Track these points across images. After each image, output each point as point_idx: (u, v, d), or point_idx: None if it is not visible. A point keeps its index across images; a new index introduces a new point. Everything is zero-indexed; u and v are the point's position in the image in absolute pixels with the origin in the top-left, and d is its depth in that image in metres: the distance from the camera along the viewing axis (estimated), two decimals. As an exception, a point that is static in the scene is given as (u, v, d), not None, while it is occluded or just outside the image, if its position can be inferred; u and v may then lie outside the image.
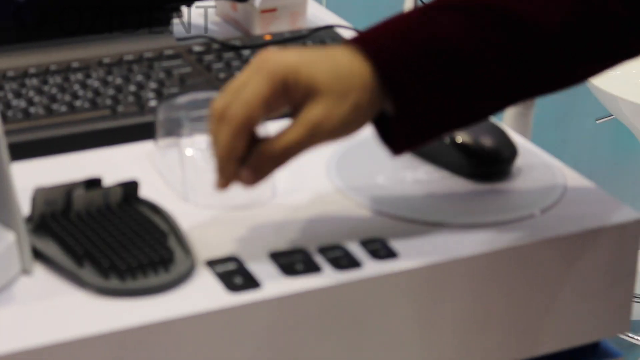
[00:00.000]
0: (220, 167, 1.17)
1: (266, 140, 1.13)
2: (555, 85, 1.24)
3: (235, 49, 1.60)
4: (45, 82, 1.45)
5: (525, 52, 1.19)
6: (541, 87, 1.25)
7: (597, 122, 3.01)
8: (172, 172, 1.31)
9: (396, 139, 1.17)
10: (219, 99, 1.16)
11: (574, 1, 1.20)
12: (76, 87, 1.45)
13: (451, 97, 1.18)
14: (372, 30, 1.19)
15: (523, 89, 1.24)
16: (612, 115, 2.87)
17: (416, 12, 1.23)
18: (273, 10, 1.65)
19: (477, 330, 1.25)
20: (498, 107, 1.24)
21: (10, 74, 1.45)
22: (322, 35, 1.66)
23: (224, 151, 1.15)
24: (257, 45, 1.61)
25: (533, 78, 1.22)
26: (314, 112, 1.11)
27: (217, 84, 1.48)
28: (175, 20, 1.67)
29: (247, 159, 1.14)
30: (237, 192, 1.21)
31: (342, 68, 1.15)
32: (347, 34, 1.67)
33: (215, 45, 1.60)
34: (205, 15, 1.80)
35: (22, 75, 1.46)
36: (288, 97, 1.14)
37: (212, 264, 1.13)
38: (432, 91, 1.16)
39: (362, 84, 1.13)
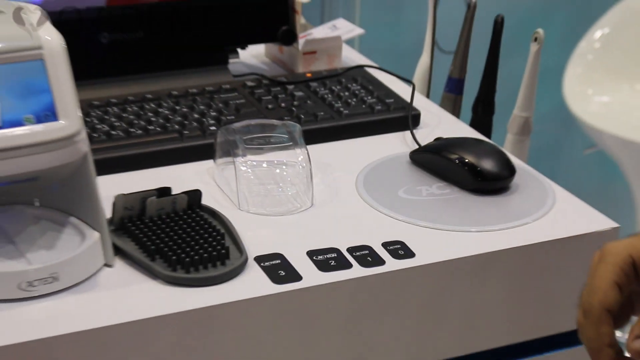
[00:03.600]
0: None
1: None
2: None
3: (281, 84, 1.59)
4: (124, 110, 1.47)
5: None
6: None
7: (585, 152, 3.00)
8: (228, 184, 1.33)
9: None
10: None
11: None
12: (150, 114, 1.47)
13: None
14: None
15: None
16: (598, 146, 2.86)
17: None
18: (313, 52, 1.65)
19: (480, 315, 1.29)
20: None
21: (96, 103, 1.47)
22: (354, 74, 1.64)
23: (591, 343, 1.01)
24: (299, 81, 1.61)
25: None
26: None
27: (266, 113, 1.50)
28: (232, 60, 1.67)
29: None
30: (281, 201, 1.27)
31: None
32: (376, 72, 1.67)
33: (265, 81, 1.60)
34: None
35: (105, 104, 1.47)
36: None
37: (260, 259, 1.18)
38: None
39: None
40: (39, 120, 1.07)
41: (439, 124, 1.54)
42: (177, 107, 1.50)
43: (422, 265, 1.20)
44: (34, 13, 1.11)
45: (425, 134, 1.48)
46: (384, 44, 2.01)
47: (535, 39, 1.69)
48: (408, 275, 1.20)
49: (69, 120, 1.08)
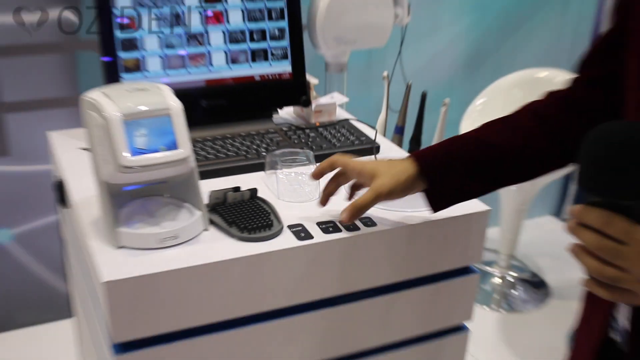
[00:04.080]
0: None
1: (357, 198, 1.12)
2: (521, 180, 1.15)
3: (302, 129, 1.56)
4: (214, 143, 1.46)
5: (500, 162, 1.10)
6: (514, 179, 1.16)
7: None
8: (272, 185, 1.32)
9: (430, 204, 1.13)
10: None
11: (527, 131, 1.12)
12: (228, 145, 1.46)
13: (464, 188, 1.13)
14: (423, 149, 1.15)
15: (505, 181, 1.15)
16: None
17: (450, 140, 1.15)
18: (320, 111, 1.62)
19: (406, 265, 1.25)
20: (485, 192, 1.15)
21: (198, 139, 1.46)
22: (343, 123, 1.60)
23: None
24: (312, 127, 1.58)
25: (513, 174, 1.14)
26: (376, 183, 1.09)
27: (293, 145, 1.46)
28: (275, 115, 1.64)
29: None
30: (302, 194, 1.28)
31: (396, 163, 1.12)
32: (355, 122, 1.63)
33: (293, 127, 1.57)
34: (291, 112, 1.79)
35: (203, 140, 1.47)
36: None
37: (290, 227, 1.18)
38: (446, 183, 1.11)
39: (407, 173, 1.09)
40: (168, 149, 1.10)
41: (390, 151, 1.52)
42: (244, 142, 1.48)
43: (380, 230, 1.19)
44: (164, 89, 1.15)
45: (382, 157, 1.45)
46: (359, 106, 2.03)
47: (444, 104, 1.72)
48: (371, 235, 1.19)
49: (184, 149, 1.10)
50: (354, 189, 1.20)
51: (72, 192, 1.29)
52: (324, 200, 1.21)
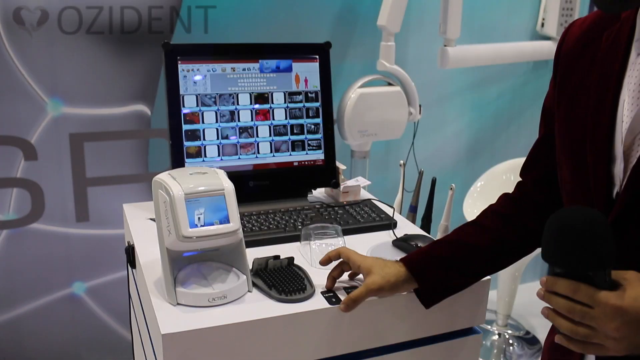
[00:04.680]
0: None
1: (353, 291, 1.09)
2: (498, 269, 1.14)
3: (332, 207, 1.53)
4: (258, 217, 1.45)
5: (476, 259, 1.10)
6: (491, 271, 1.14)
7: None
8: (307, 254, 1.30)
9: (422, 302, 1.11)
10: None
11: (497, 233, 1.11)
12: (270, 219, 1.44)
13: (449, 285, 1.11)
14: (410, 254, 1.14)
15: (483, 273, 1.15)
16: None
17: (432, 244, 1.15)
18: (347, 192, 1.60)
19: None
20: (469, 285, 1.14)
21: (246, 213, 1.45)
22: (366, 202, 1.57)
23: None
24: (340, 205, 1.55)
25: (487, 268, 1.13)
26: (369, 280, 1.08)
27: (325, 221, 1.44)
28: (309, 195, 1.62)
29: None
30: (332, 263, 1.21)
31: (389, 264, 1.10)
32: (376, 202, 1.60)
33: (325, 205, 1.54)
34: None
35: (250, 214, 1.45)
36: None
37: (322, 292, 1.16)
38: (433, 283, 1.09)
39: (396, 275, 1.08)
40: (221, 222, 1.09)
41: (405, 227, 1.50)
42: (283, 217, 1.47)
43: (398, 296, 1.14)
44: (220, 173, 1.16)
45: (399, 232, 1.43)
46: (379, 188, 2.03)
47: (451, 189, 1.71)
48: (389, 300, 1.14)
49: (234, 223, 1.10)
50: (353, 275, 1.19)
51: (140, 256, 1.29)
52: (329, 284, 1.17)
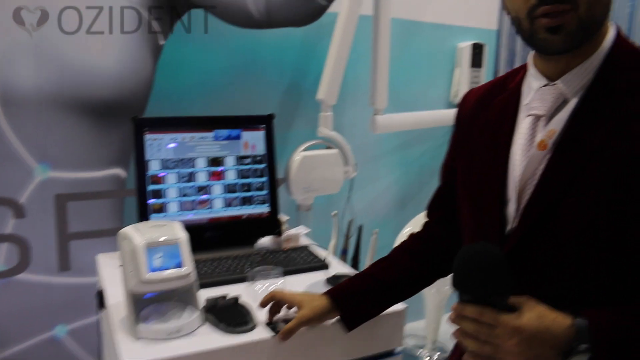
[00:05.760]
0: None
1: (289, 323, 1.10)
2: (409, 297, 1.16)
3: (275, 252, 1.55)
4: (212, 263, 1.45)
5: (387, 290, 1.11)
6: (401, 299, 1.16)
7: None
8: (252, 293, 1.31)
9: (344, 327, 1.12)
10: None
11: (407, 267, 1.13)
12: (222, 264, 1.45)
13: (366, 312, 1.12)
14: (335, 287, 1.14)
15: (394, 301, 1.15)
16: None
17: (353, 278, 1.15)
18: (289, 239, 1.60)
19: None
20: (383, 311, 1.15)
21: (202, 259, 1.45)
22: (304, 248, 1.59)
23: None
24: (282, 251, 1.56)
25: (397, 297, 1.14)
26: (300, 313, 1.10)
27: (269, 264, 1.45)
28: (256, 243, 1.60)
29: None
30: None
31: (316, 297, 1.11)
32: (312, 248, 1.62)
33: (269, 251, 1.56)
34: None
35: (205, 260, 1.46)
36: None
37: (265, 324, 1.17)
38: (353, 311, 1.11)
39: (322, 306, 1.10)
40: (176, 267, 1.13)
41: (337, 267, 1.52)
42: (234, 261, 1.48)
43: (325, 324, 1.16)
44: (177, 225, 1.19)
45: (332, 272, 1.46)
46: (322, 234, 2.04)
47: (373, 234, 1.72)
48: (318, 328, 1.16)
49: (187, 267, 1.13)
50: (290, 307, 1.19)
51: (109, 298, 1.31)
52: (269, 318, 1.18)
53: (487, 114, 0.96)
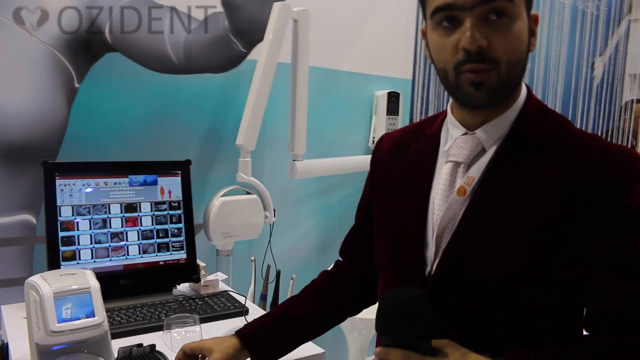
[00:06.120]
0: None
1: None
2: (314, 336, 1.15)
3: (193, 299, 1.54)
4: (127, 311, 1.44)
5: (296, 328, 1.11)
6: (309, 337, 1.15)
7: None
8: (168, 341, 1.30)
9: None
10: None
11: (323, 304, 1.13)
12: (138, 312, 1.43)
13: (276, 350, 1.10)
14: (245, 326, 1.13)
15: (303, 340, 1.13)
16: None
17: (263, 317, 1.14)
18: (207, 285, 1.61)
19: None
20: (293, 348, 1.12)
21: (111, 308, 1.43)
22: (223, 294, 1.60)
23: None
24: (201, 297, 1.56)
25: (307, 335, 1.13)
26: (212, 357, 1.05)
27: (186, 312, 1.45)
28: (174, 290, 1.61)
29: None
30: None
31: (226, 339, 1.09)
32: (233, 293, 1.62)
33: (187, 297, 1.55)
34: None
35: (119, 309, 1.44)
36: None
37: None
38: (262, 350, 1.09)
39: (233, 347, 1.07)
40: (87, 317, 1.10)
41: (256, 313, 1.51)
42: (149, 309, 1.46)
43: None
44: (88, 273, 1.16)
45: (251, 318, 1.35)
46: (242, 280, 2.03)
47: (292, 279, 1.72)
48: None
49: (99, 317, 1.09)
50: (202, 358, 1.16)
51: (13, 352, 1.25)
52: None
53: (404, 158, 0.99)
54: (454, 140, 0.92)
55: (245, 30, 2.10)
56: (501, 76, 0.83)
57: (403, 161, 0.99)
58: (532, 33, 0.87)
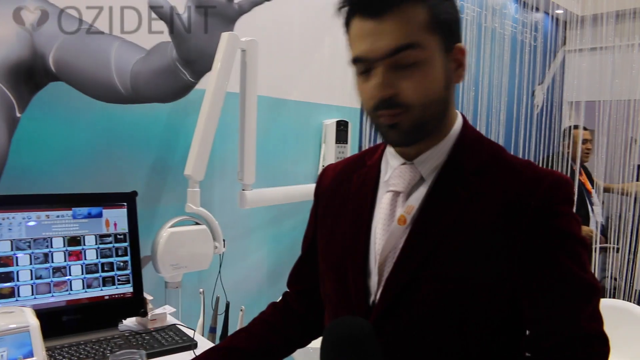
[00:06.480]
0: None
1: None
2: None
3: (139, 334, 1.50)
4: (70, 349, 1.38)
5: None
6: None
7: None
8: None
9: None
10: None
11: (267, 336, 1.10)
12: (81, 350, 1.38)
13: None
14: (195, 357, 1.09)
15: None
16: None
17: (210, 350, 1.10)
18: (155, 319, 1.57)
19: None
20: None
21: (58, 346, 1.38)
22: (171, 327, 1.57)
23: None
24: (148, 331, 1.52)
25: None
26: None
27: (132, 347, 1.41)
28: (120, 325, 1.56)
29: None
30: None
31: None
32: (181, 327, 1.59)
33: (134, 332, 1.51)
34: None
35: (62, 347, 1.38)
36: None
37: None
38: None
39: None
40: (25, 357, 1.07)
41: (205, 346, 1.48)
42: (94, 346, 1.42)
43: None
44: (27, 311, 1.12)
45: (200, 351, 1.37)
46: (192, 312, 1.99)
47: (241, 310, 1.70)
48: None
49: (39, 357, 1.07)
50: None
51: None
52: None
53: (346, 188, 1.01)
54: (393, 170, 0.95)
55: (194, 60, 2.10)
56: (414, 118, 0.86)
57: (345, 192, 1.01)
58: (458, 65, 0.90)
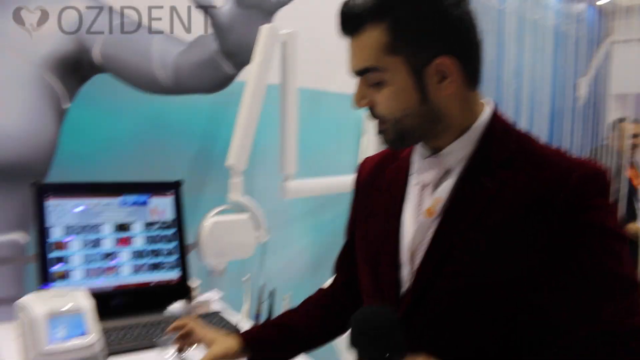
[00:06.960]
0: None
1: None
2: (312, 348, 1.15)
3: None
4: (120, 330, 1.42)
5: (295, 338, 1.12)
6: (307, 349, 1.15)
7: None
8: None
9: None
10: None
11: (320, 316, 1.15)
12: (131, 332, 1.43)
13: (274, 358, 1.11)
14: (249, 329, 1.14)
15: (301, 350, 1.14)
16: None
17: (265, 323, 1.17)
18: (201, 305, 1.59)
19: None
20: (292, 355, 1.13)
21: (110, 327, 1.40)
22: (215, 314, 1.61)
23: None
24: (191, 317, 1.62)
25: (305, 346, 1.14)
26: (212, 349, 1.06)
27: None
28: (168, 309, 1.57)
29: None
30: None
31: (229, 338, 1.09)
32: (224, 314, 1.63)
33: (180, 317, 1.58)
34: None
35: (113, 329, 1.42)
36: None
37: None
38: (262, 354, 1.09)
39: (234, 346, 1.07)
40: (79, 337, 1.10)
41: None
42: (143, 329, 1.45)
43: None
44: (81, 293, 1.16)
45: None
46: (236, 298, 2.02)
47: (284, 299, 1.69)
48: None
49: (92, 337, 1.11)
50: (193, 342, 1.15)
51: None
52: (179, 348, 1.15)
53: (380, 182, 1.02)
54: (421, 162, 0.95)
55: (234, 52, 2.12)
56: (395, 129, 0.89)
57: (379, 185, 1.02)
58: (443, 77, 0.87)
